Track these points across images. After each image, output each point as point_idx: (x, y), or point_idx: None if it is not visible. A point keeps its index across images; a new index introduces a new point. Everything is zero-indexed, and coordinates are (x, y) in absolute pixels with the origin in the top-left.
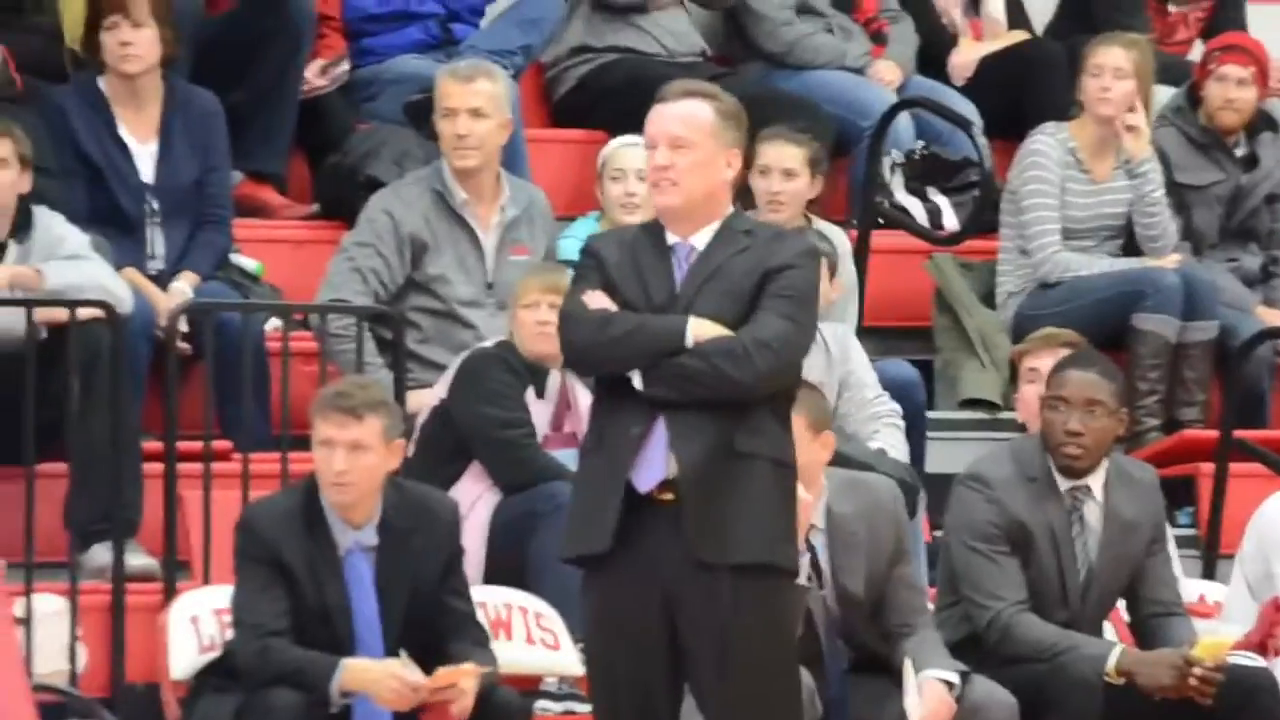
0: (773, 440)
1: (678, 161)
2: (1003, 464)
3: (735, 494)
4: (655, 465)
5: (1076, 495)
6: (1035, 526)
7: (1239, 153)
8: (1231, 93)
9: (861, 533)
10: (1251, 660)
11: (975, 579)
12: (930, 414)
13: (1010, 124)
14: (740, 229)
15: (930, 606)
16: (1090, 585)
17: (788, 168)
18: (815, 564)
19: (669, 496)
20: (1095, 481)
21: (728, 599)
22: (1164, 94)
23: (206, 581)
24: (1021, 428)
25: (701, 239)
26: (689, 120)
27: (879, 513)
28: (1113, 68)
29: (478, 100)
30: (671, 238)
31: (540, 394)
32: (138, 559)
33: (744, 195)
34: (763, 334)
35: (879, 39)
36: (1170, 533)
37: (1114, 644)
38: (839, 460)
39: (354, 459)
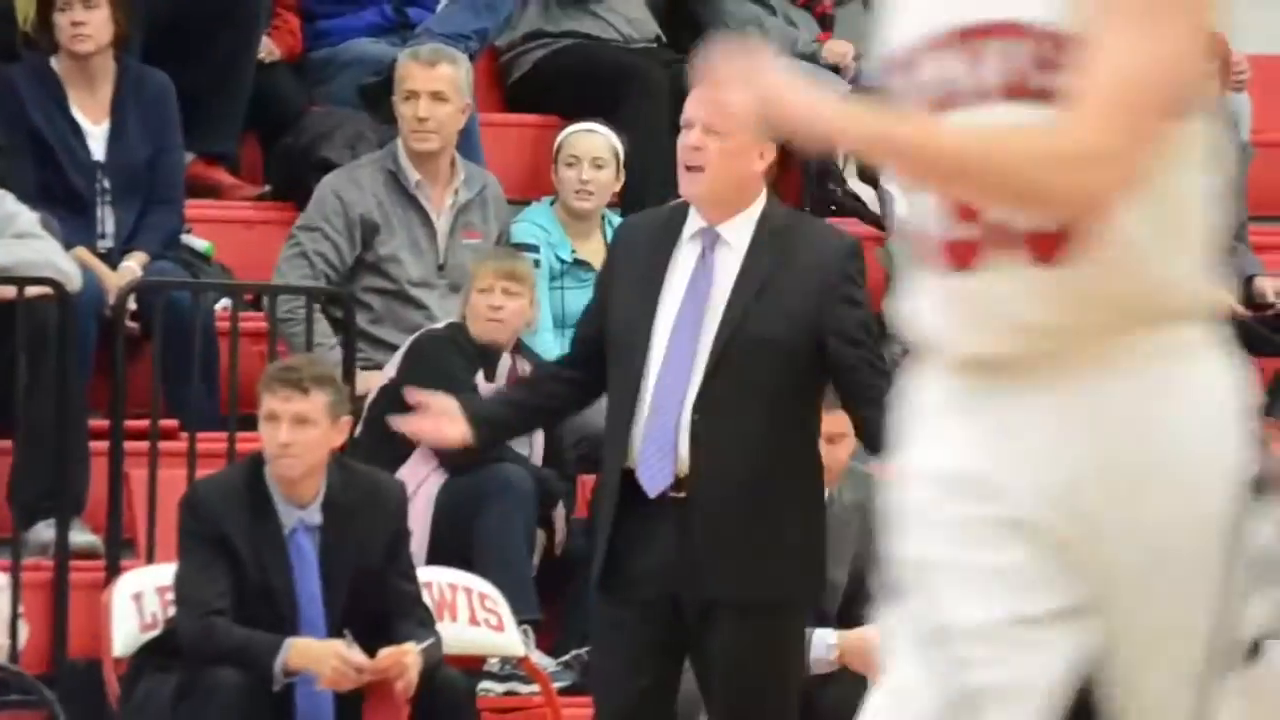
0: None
1: (709, 146)
2: None
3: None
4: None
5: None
6: None
7: None
8: None
9: (854, 525)
10: None
11: None
12: None
13: None
14: (777, 224)
15: None
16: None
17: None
18: None
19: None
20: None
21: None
22: None
23: (150, 560)
24: None
25: (731, 230)
26: None
27: (870, 505)
28: None
29: (440, 84)
30: (697, 223)
31: (490, 378)
32: (82, 536)
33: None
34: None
35: (826, 23)
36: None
37: None
38: None
39: (298, 432)
